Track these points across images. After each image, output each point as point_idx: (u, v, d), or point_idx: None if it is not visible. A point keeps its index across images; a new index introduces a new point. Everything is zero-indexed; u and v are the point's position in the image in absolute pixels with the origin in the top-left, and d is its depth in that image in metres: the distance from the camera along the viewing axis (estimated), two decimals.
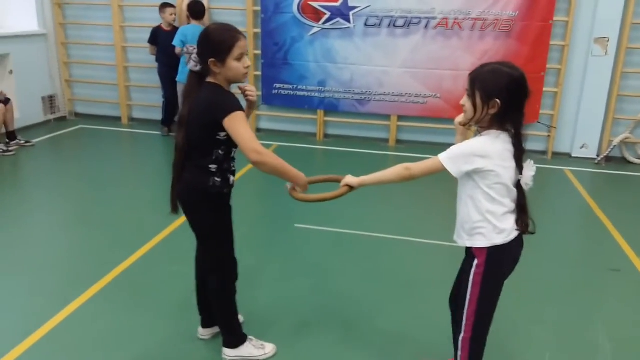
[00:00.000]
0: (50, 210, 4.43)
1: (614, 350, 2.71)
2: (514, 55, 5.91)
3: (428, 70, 6.32)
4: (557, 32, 6.02)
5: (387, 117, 6.67)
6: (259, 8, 6.54)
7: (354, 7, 6.25)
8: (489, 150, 1.87)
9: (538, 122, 6.20)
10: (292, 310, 2.98)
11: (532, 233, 2.02)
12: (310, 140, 6.80)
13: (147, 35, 6.60)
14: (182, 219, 3.94)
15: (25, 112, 6.73)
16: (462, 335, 2.09)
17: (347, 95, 6.61)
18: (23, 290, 3.14)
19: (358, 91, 6.57)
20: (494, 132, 1.90)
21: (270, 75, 6.71)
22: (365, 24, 6.29)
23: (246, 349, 2.53)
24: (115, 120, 7.41)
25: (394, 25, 6.24)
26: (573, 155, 6.37)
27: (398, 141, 6.74)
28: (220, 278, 2.43)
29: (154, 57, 6.68)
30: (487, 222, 1.94)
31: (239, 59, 2.14)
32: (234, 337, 2.53)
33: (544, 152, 6.41)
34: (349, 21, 6.32)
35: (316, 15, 6.36)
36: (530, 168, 1.94)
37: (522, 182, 1.94)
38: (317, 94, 6.68)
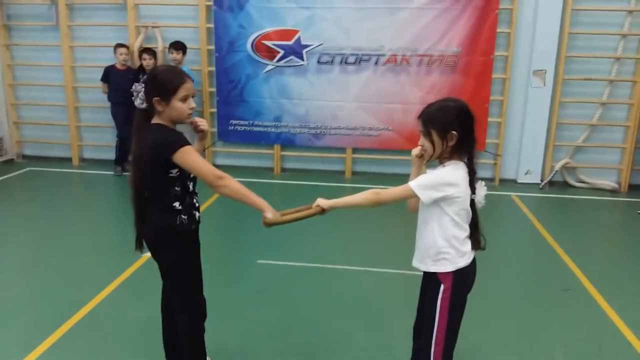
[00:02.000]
0: (1, 257, 4.26)
1: None
2: (459, 88, 6.22)
3: (379, 104, 6.54)
4: (498, 66, 6.39)
5: (342, 149, 6.83)
6: (212, 47, 6.64)
7: (307, 45, 6.44)
8: (457, 178, 2.01)
9: (485, 151, 6.51)
10: (260, 347, 2.97)
11: (483, 249, 2.16)
12: (268, 174, 6.86)
13: (98, 75, 6.55)
14: (140, 261, 3.94)
15: None
16: None
17: (302, 129, 6.74)
18: None
19: (313, 125, 6.71)
20: (454, 162, 2.05)
21: (225, 112, 6.77)
22: (318, 61, 6.49)
23: None
24: (66, 161, 7.24)
25: (346, 62, 6.46)
26: (519, 181, 6.68)
27: (354, 173, 6.89)
28: (190, 317, 2.42)
29: (105, 97, 6.62)
30: (452, 247, 2.06)
31: (183, 100, 2.20)
32: None
33: (491, 179, 6.68)
34: (302, 59, 6.50)
35: (270, 53, 6.51)
36: (482, 188, 2.11)
37: (476, 201, 2.10)
38: (273, 129, 6.78)
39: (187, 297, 2.41)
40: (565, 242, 4.64)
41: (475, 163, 2.08)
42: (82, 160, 7.33)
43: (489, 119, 6.46)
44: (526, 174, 6.65)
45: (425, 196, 2.00)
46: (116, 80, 6.47)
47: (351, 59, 6.44)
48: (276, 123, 6.75)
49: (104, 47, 6.68)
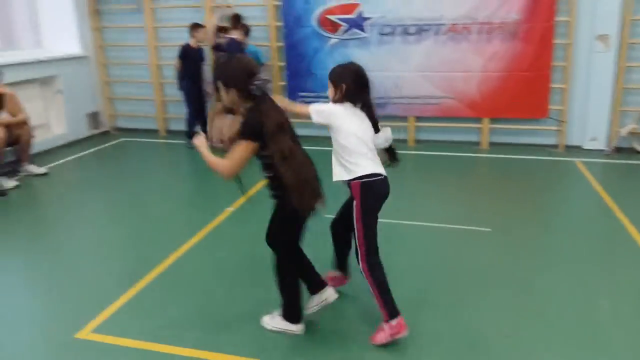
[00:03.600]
0: (108, 210, 4.99)
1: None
2: (520, 54, 6.31)
3: (440, 73, 6.73)
4: (560, 32, 6.37)
5: (404, 118, 7.09)
6: (280, 23, 7.07)
7: (368, 18, 6.73)
8: (340, 113, 2.76)
9: (549, 117, 6.54)
10: None
11: (394, 164, 3.01)
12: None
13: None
14: (224, 214, 4.50)
15: (72, 128, 7.42)
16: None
17: None
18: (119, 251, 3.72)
19: (376, 95, 6.92)
20: (346, 104, 2.79)
21: (294, 85, 7.22)
22: (380, 33, 6.76)
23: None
24: (154, 132, 8.01)
25: (407, 33, 6.69)
26: (584, 147, 6.67)
27: (417, 141, 7.14)
28: None
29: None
30: (342, 166, 2.77)
31: None
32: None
33: (555, 146, 6.71)
34: (364, 31, 6.80)
35: (333, 27, 6.86)
36: (385, 131, 2.86)
37: (378, 142, 2.83)
38: None
39: None
40: (630, 209, 4.57)
41: (373, 110, 2.83)
42: (168, 131, 8.06)
43: (553, 85, 6.48)
44: (592, 140, 6.62)
45: (315, 117, 2.79)
46: (191, 58, 6.95)
47: (412, 30, 6.66)
48: None
49: (184, 27, 7.26)
